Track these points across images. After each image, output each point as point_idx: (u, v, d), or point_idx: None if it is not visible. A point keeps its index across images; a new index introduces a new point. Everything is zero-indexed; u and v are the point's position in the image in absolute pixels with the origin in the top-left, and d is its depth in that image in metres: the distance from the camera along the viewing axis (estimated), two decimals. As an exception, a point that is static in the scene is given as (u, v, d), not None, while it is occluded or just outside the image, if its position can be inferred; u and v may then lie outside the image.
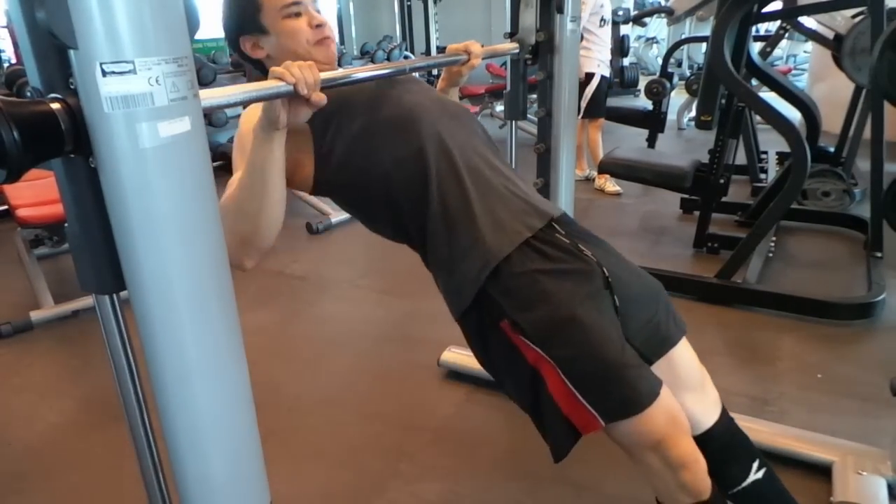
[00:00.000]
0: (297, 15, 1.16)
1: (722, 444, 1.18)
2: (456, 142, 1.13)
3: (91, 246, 0.68)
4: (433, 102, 1.20)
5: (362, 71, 1.21)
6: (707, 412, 1.19)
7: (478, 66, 1.35)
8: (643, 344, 1.11)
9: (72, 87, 0.61)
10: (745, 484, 1.16)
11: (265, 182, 1.01)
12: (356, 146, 1.13)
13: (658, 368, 1.12)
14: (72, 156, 0.64)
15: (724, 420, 1.20)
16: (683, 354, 1.17)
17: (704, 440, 1.16)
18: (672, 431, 1.00)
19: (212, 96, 0.81)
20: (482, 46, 1.38)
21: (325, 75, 0.99)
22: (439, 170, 1.10)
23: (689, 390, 1.16)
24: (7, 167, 0.59)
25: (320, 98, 0.96)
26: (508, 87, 1.72)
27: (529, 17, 1.61)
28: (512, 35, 1.66)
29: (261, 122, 1.00)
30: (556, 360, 1.00)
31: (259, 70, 1.25)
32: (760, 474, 1.17)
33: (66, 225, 0.70)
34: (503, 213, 1.09)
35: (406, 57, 7.10)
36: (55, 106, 0.61)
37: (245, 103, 0.89)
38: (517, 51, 1.63)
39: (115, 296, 0.72)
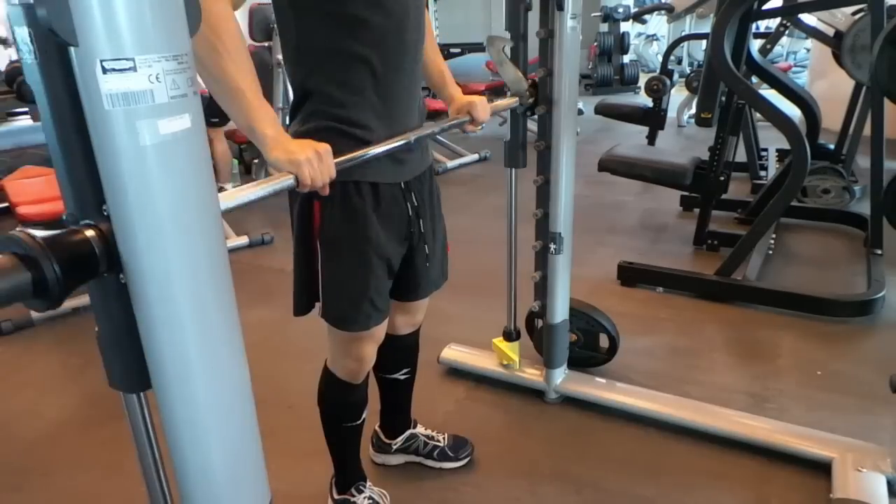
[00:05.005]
0: None
1: (397, 347, 1.60)
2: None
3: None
4: None
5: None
6: (404, 327, 1.59)
7: (479, 131, 1.46)
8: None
9: (104, 213, 0.65)
10: (395, 375, 1.65)
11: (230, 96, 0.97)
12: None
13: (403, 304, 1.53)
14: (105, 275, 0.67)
15: (412, 337, 1.64)
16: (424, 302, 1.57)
17: (395, 341, 1.57)
18: (357, 368, 1.41)
19: (212, 94, 0.81)
20: (487, 100, 1.43)
21: (339, 159, 1.03)
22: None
23: (407, 313, 1.57)
24: (48, 298, 0.62)
25: (325, 192, 1.02)
26: (509, 137, 1.80)
27: (511, 71, 1.65)
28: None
29: (274, 136, 0.98)
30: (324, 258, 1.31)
31: None
32: (401, 375, 1.66)
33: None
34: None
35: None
36: (90, 233, 0.65)
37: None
38: (517, 104, 1.70)
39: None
